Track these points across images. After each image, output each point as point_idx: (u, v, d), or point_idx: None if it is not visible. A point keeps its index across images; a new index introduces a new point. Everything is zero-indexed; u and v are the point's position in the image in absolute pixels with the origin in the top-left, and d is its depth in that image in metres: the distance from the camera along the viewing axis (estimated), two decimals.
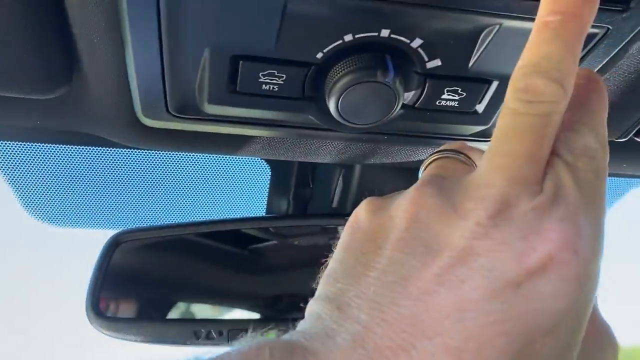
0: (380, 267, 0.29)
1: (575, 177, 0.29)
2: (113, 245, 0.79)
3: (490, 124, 0.50)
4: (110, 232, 0.80)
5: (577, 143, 0.30)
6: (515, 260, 0.26)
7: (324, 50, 0.40)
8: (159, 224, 0.82)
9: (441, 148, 0.38)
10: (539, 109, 0.29)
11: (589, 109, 0.31)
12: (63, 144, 0.91)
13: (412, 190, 0.31)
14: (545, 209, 0.27)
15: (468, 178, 0.30)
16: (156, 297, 0.85)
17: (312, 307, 0.31)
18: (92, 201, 1.06)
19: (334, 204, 0.93)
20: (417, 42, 0.40)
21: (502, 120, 0.30)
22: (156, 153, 0.98)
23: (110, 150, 0.96)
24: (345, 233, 0.33)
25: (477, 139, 0.54)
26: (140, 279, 0.86)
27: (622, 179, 1.19)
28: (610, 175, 1.08)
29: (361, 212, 0.33)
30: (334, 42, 0.39)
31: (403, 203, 0.31)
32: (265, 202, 1.04)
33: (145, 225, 0.83)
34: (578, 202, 0.28)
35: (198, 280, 0.87)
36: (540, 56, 0.29)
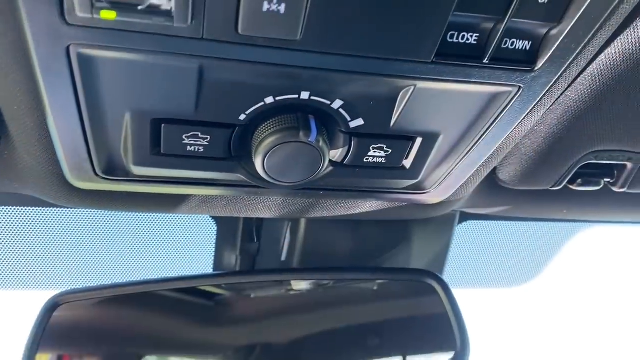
0: None
1: None
2: (51, 308, 0.76)
3: (419, 178, 0.51)
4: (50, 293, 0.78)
5: None
6: None
7: (247, 112, 0.40)
8: (101, 284, 0.80)
9: None
10: None
11: None
12: None
13: None
14: None
15: None
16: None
17: None
18: (32, 263, 1.03)
19: (283, 257, 0.92)
20: (337, 103, 0.41)
21: None
22: (96, 211, 0.96)
23: (56, 210, 0.94)
24: None
25: (409, 192, 0.55)
26: (82, 341, 0.83)
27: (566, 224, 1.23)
28: (553, 220, 1.11)
29: None
30: (256, 105, 0.40)
31: None
32: (213, 258, 1.02)
33: (85, 286, 0.80)
34: None
35: (148, 338, 0.85)
36: None
